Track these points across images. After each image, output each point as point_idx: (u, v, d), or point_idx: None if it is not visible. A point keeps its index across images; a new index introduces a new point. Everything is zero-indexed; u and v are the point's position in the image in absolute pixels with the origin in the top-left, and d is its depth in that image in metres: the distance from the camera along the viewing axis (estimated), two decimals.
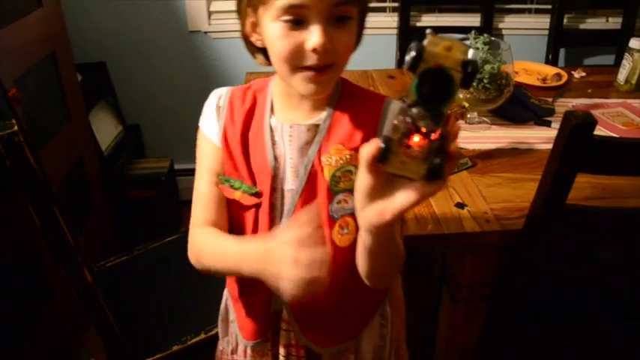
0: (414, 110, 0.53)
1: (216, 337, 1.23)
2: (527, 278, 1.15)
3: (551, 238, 1.07)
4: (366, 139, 0.63)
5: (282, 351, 0.91)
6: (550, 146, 0.97)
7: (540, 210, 1.00)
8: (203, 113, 0.84)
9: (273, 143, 0.80)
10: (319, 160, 0.79)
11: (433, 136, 0.53)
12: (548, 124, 1.50)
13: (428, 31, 0.54)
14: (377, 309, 0.94)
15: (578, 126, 0.88)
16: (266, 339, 0.91)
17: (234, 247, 0.76)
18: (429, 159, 0.53)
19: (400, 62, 2.19)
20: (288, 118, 0.80)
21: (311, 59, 0.69)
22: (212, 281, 0.86)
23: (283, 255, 0.64)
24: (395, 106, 0.80)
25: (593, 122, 0.88)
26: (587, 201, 1.13)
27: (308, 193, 0.80)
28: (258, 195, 0.80)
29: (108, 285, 1.38)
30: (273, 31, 0.70)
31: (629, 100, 1.66)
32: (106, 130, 2.15)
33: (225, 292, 0.99)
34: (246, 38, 0.78)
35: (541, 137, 1.43)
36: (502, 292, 1.19)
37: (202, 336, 1.24)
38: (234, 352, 0.99)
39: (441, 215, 1.11)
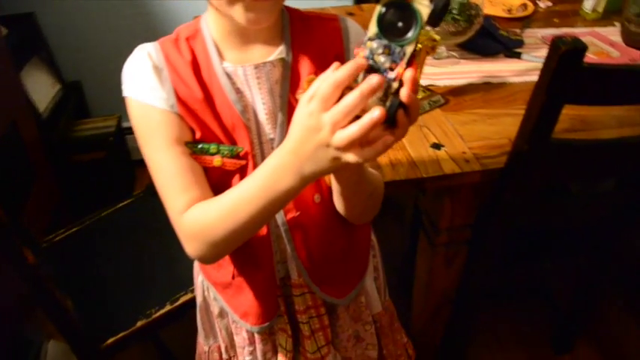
0: (374, 44, 0.48)
1: (184, 307, 1.16)
2: (508, 218, 1.11)
3: (534, 174, 1.01)
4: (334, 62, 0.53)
5: (302, 317, 0.85)
6: (523, 79, 0.90)
7: (525, 145, 0.94)
8: (131, 78, 0.70)
9: (236, 92, 0.69)
10: (294, 98, 0.70)
11: (391, 74, 0.48)
12: (518, 55, 1.44)
13: None
14: (370, 242, 0.93)
15: (567, 53, 0.80)
16: (280, 313, 0.84)
17: (251, 183, 0.61)
18: (387, 102, 0.48)
19: None
20: (243, 59, 0.69)
21: None
22: (174, 247, 0.76)
23: (320, 139, 0.52)
24: (352, 23, 0.75)
25: (583, 47, 0.81)
26: (566, 133, 1.08)
27: None
28: (242, 156, 0.70)
29: (58, 261, 1.27)
30: None
31: (596, 29, 1.61)
32: (41, 89, 1.96)
33: (201, 283, 0.89)
34: None
35: (512, 70, 1.36)
36: (482, 233, 1.15)
37: (168, 307, 1.15)
38: (229, 348, 0.91)
39: (417, 158, 1.04)
